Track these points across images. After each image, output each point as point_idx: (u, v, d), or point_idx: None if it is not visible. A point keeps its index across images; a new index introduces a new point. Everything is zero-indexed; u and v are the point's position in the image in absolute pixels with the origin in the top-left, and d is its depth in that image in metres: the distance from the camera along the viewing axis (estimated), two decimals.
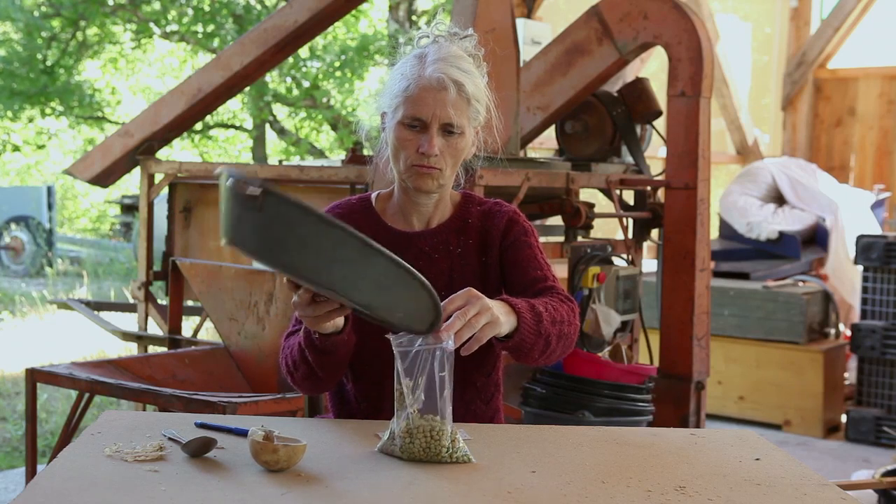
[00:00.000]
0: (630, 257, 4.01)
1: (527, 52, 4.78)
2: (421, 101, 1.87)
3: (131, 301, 4.55)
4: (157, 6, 12.63)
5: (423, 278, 1.56)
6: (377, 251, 1.50)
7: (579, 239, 3.87)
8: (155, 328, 4.50)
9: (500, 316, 1.69)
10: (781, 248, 6.40)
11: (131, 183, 15.71)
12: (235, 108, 14.50)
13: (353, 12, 11.99)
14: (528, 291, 1.95)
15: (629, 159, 4.33)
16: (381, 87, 2.03)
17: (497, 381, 2.09)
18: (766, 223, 6.44)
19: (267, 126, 14.11)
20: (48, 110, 13.39)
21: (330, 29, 10.55)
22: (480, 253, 2.01)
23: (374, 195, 2.07)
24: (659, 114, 4.28)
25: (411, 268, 1.55)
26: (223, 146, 16.78)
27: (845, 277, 6.32)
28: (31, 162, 18.51)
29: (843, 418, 5.63)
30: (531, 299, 1.84)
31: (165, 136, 4.42)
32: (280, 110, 14.32)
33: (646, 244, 4.47)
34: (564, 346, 1.88)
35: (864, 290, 5.50)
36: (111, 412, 1.84)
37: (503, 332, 1.73)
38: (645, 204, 4.20)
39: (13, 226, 12.88)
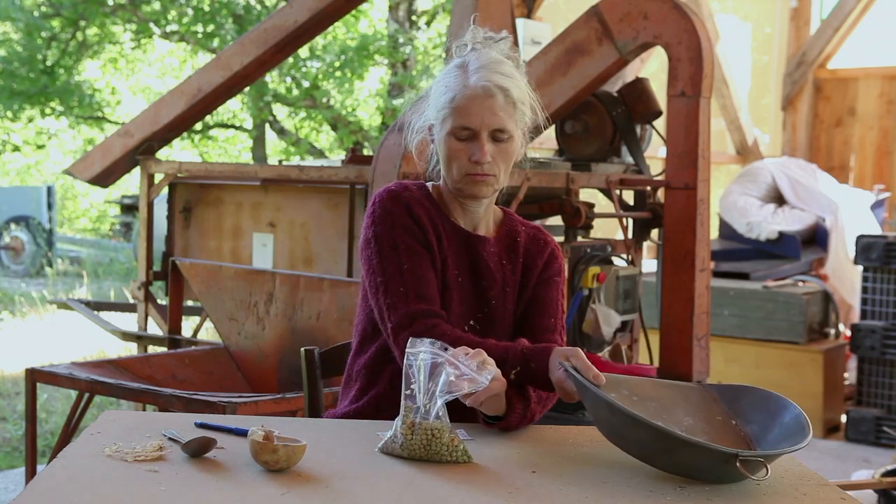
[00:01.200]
0: (630, 257, 4.01)
1: (527, 52, 4.78)
2: (468, 110, 1.89)
3: (131, 301, 4.55)
4: (157, 6, 12.63)
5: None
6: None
7: (579, 239, 3.87)
8: (155, 328, 4.50)
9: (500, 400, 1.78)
10: (781, 248, 6.40)
11: (131, 183, 15.72)
12: (235, 108, 14.50)
13: (353, 12, 11.99)
14: (534, 335, 1.99)
15: (629, 159, 4.33)
16: (421, 96, 2.02)
17: None
18: (765, 223, 6.44)
19: (267, 126, 14.11)
20: (48, 110, 13.39)
21: (330, 29, 10.54)
22: (523, 273, 2.04)
23: (429, 185, 2.04)
24: (659, 114, 4.28)
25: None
26: (223, 146, 16.79)
27: (845, 277, 6.32)
28: (31, 162, 18.51)
29: (843, 418, 5.63)
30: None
31: (165, 136, 4.41)
32: (280, 110, 14.32)
33: (646, 244, 4.47)
34: (544, 411, 1.94)
35: (864, 290, 5.50)
36: (111, 412, 1.84)
37: (498, 412, 1.80)
38: (645, 204, 4.20)
39: (13, 226, 12.87)
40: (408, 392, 1.66)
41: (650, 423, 1.60)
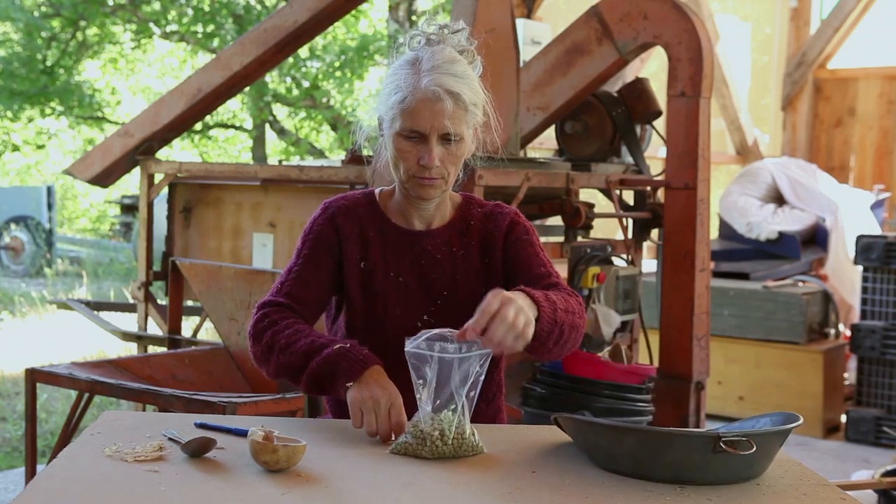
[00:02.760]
0: (630, 257, 4.01)
1: (527, 52, 4.78)
2: (418, 113, 1.86)
3: (131, 301, 4.55)
4: (157, 6, 12.63)
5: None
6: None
7: (579, 239, 3.87)
8: (155, 328, 4.50)
9: (530, 312, 1.71)
10: (781, 249, 6.40)
11: (131, 183, 15.71)
12: (235, 108, 14.51)
13: (353, 12, 11.99)
14: (534, 287, 1.95)
15: (629, 159, 4.33)
16: (379, 88, 2.02)
17: (499, 381, 2.10)
18: (765, 223, 6.44)
19: (267, 126, 14.11)
20: (48, 110, 13.39)
21: (330, 29, 10.55)
22: (482, 254, 2.01)
23: (377, 191, 2.06)
24: (659, 114, 4.28)
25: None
26: (223, 146, 16.79)
27: (845, 277, 6.32)
28: (31, 162, 18.51)
29: (843, 418, 5.63)
30: (544, 290, 1.84)
31: (165, 136, 4.41)
32: (280, 110, 14.32)
33: (646, 244, 4.47)
34: (575, 337, 1.87)
35: (864, 290, 5.50)
36: (111, 412, 1.84)
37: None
38: (645, 204, 4.20)
39: (13, 226, 12.87)
40: (421, 396, 1.67)
41: (635, 427, 1.62)
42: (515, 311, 1.66)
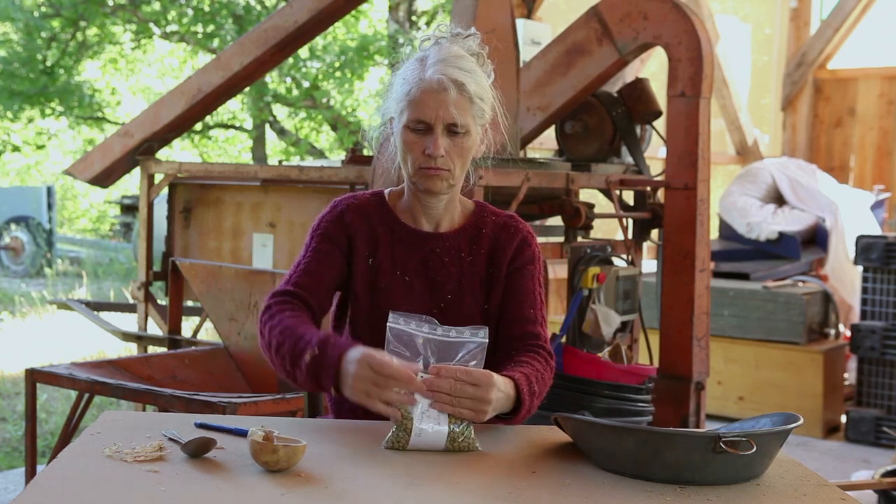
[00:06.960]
0: (630, 257, 4.00)
1: (527, 52, 4.78)
2: (423, 103, 1.89)
3: (131, 301, 4.55)
4: (157, 6, 12.64)
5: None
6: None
7: (579, 239, 3.87)
8: (155, 328, 4.50)
9: (492, 412, 1.74)
10: (781, 249, 6.40)
11: (131, 183, 15.72)
12: (235, 108, 14.51)
13: (353, 12, 11.99)
14: (514, 328, 1.98)
15: (629, 159, 4.33)
16: (385, 89, 2.03)
17: None
18: (765, 224, 6.44)
19: (267, 126, 14.12)
20: (48, 110, 13.40)
21: (330, 29, 10.55)
22: (489, 264, 2.02)
23: (386, 192, 2.07)
24: (659, 114, 4.28)
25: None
26: (223, 146, 16.80)
27: (845, 278, 6.32)
28: (31, 162, 18.52)
29: (843, 418, 5.63)
30: (527, 372, 1.86)
31: (165, 136, 4.41)
32: (280, 110, 14.33)
33: (646, 244, 4.47)
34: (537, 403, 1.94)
35: (864, 290, 5.50)
36: (111, 412, 1.84)
37: (502, 411, 1.80)
38: (645, 204, 4.20)
39: (13, 226, 12.87)
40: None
41: (635, 427, 1.62)
42: (474, 406, 1.71)
